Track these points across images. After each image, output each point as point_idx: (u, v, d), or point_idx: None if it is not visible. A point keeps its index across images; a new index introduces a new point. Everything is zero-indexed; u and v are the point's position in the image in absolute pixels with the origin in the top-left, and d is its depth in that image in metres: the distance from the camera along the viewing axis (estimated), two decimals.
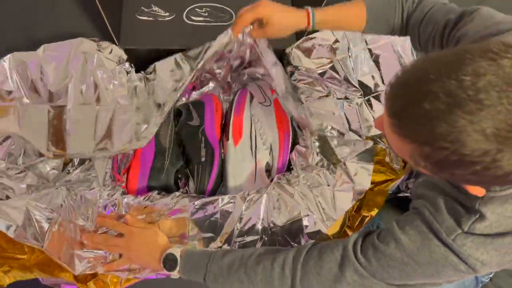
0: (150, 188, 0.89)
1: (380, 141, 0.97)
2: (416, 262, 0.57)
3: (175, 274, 0.73)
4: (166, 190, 0.89)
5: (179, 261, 0.72)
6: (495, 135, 0.40)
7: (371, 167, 0.82)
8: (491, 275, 0.90)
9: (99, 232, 0.77)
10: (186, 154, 0.96)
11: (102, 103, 0.81)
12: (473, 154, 0.41)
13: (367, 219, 0.88)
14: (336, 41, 0.97)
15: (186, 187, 0.96)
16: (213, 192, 0.93)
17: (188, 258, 0.72)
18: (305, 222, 0.79)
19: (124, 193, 0.84)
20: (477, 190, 0.51)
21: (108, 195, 0.80)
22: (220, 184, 0.96)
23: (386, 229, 0.62)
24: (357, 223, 0.89)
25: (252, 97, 1.00)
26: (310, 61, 0.96)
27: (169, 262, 0.72)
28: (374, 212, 0.88)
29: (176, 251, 0.73)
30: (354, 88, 0.95)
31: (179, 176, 0.97)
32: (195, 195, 0.86)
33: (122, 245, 0.75)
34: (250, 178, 0.92)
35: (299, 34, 0.99)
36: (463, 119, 0.41)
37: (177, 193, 0.85)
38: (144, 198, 0.82)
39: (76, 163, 0.85)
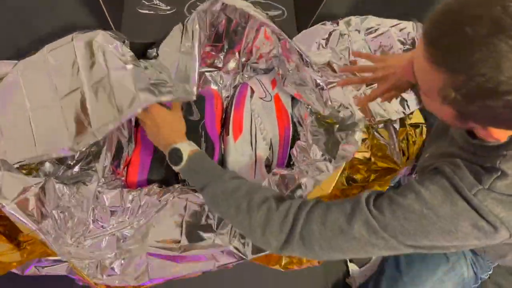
0: (150, 182, 0.89)
1: (381, 136, 0.97)
2: (436, 214, 0.55)
3: (176, 170, 0.73)
4: (166, 183, 0.88)
5: (184, 158, 0.72)
6: None
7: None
8: (490, 272, 0.90)
9: None
10: None
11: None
12: (509, 81, 0.42)
13: None
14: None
15: (186, 182, 0.96)
16: None
17: (194, 163, 0.72)
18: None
19: (123, 186, 0.84)
20: (500, 134, 0.50)
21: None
22: None
23: (404, 185, 0.60)
24: None
25: (252, 92, 0.99)
26: (312, 53, 0.96)
27: (175, 156, 0.72)
28: None
29: (185, 147, 0.72)
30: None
31: None
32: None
33: (141, 116, 0.75)
34: (250, 173, 0.92)
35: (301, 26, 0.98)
36: (505, 44, 0.41)
37: (177, 186, 0.84)
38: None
39: (76, 156, 0.85)
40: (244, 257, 0.77)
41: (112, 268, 0.77)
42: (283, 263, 0.79)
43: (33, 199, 0.70)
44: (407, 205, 0.56)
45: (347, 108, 0.85)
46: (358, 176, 0.93)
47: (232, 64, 1.01)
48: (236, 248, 0.78)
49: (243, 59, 1.00)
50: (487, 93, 0.44)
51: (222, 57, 0.99)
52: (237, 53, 0.98)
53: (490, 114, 0.47)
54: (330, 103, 0.86)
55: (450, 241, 0.56)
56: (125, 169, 0.91)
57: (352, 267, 1.05)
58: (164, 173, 0.92)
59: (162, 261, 0.77)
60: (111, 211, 0.79)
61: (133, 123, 0.91)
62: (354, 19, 0.99)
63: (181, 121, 0.78)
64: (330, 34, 0.98)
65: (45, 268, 0.76)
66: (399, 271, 0.93)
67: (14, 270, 0.71)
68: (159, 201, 0.81)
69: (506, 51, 0.41)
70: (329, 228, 0.59)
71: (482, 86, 0.43)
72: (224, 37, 0.93)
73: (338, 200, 0.64)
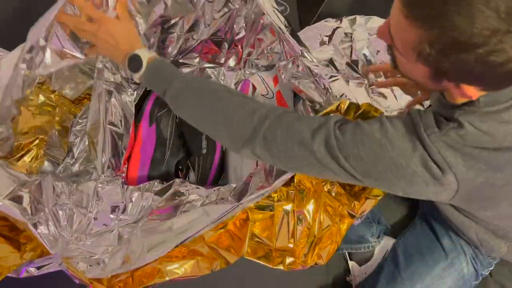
0: (150, 178, 0.89)
1: None
2: (392, 145, 0.56)
3: (136, 77, 0.70)
4: (167, 179, 0.88)
5: (144, 65, 0.68)
6: (507, 14, 0.42)
7: None
8: (491, 268, 0.90)
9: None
10: (187, 146, 0.96)
11: None
12: (481, 33, 0.43)
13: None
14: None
15: (187, 179, 0.96)
16: (214, 184, 0.92)
17: (155, 67, 0.69)
18: None
19: (124, 183, 0.83)
20: (471, 91, 0.51)
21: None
22: (221, 175, 0.95)
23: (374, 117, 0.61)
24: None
25: (254, 88, 0.99)
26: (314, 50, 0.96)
27: (134, 62, 0.69)
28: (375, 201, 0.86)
29: (144, 54, 0.69)
30: (358, 75, 0.95)
31: (180, 167, 0.96)
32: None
33: (91, 31, 0.67)
34: (251, 170, 0.91)
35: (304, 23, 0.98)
36: None
37: (178, 180, 0.84)
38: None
39: (76, 155, 0.84)
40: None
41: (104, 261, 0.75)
42: (286, 263, 0.79)
43: (28, 196, 0.69)
44: (369, 132, 0.57)
45: (349, 99, 0.84)
46: None
47: (233, 61, 1.00)
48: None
49: (245, 54, 0.99)
50: (460, 47, 0.45)
51: (224, 52, 0.98)
52: (240, 47, 0.97)
53: (463, 69, 0.48)
54: (330, 90, 0.85)
55: (398, 177, 0.56)
56: (125, 165, 0.91)
57: (353, 265, 1.05)
58: (165, 169, 0.91)
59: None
60: (112, 207, 0.78)
61: (132, 120, 0.91)
62: (359, 18, 0.99)
63: (135, 30, 0.73)
64: (333, 31, 0.97)
65: (40, 268, 0.74)
66: (398, 268, 0.93)
67: (10, 274, 0.70)
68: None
69: (477, 2, 0.42)
70: (292, 136, 0.60)
71: (455, 39, 0.44)
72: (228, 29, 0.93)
73: (311, 115, 0.63)
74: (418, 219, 1.00)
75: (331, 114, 0.66)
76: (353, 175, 0.59)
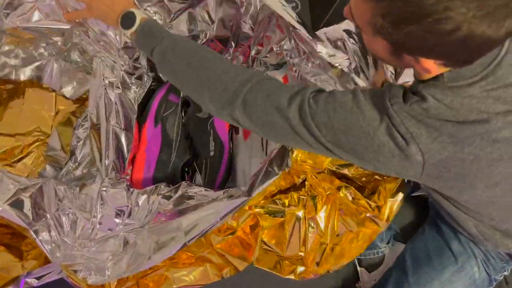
0: (155, 180, 0.86)
1: None
2: (362, 114, 0.56)
3: (128, 36, 0.71)
4: (173, 182, 0.85)
5: (137, 22, 0.70)
6: None
7: None
8: (505, 273, 0.88)
9: None
10: (194, 148, 0.93)
11: None
12: (427, 3, 0.44)
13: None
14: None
15: (193, 181, 0.93)
16: (222, 187, 0.90)
17: (148, 25, 0.70)
18: None
19: (129, 186, 0.80)
20: (430, 65, 0.52)
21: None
22: (228, 178, 0.93)
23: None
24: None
25: None
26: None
27: (128, 19, 0.70)
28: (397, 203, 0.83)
29: (139, 13, 0.71)
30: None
31: (186, 169, 0.93)
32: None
33: None
34: None
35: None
36: None
37: (185, 183, 0.81)
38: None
39: (79, 159, 0.81)
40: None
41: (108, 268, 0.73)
42: (297, 272, 0.76)
43: (29, 200, 0.66)
44: (342, 101, 0.58)
45: None
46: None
47: (241, 59, 0.97)
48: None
49: (253, 53, 0.96)
50: (410, 17, 0.46)
51: (231, 50, 0.95)
52: (247, 47, 0.95)
53: (416, 41, 0.48)
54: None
55: (366, 147, 0.56)
56: (130, 167, 0.88)
57: (362, 271, 1.02)
58: (171, 171, 0.89)
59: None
60: (116, 211, 0.75)
61: (134, 119, 0.88)
62: None
63: None
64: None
65: (40, 279, 0.72)
66: (405, 273, 0.90)
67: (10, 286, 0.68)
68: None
69: None
70: (271, 102, 0.60)
71: (404, 10, 0.45)
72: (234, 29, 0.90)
73: (292, 83, 0.63)
74: (427, 223, 0.97)
75: None
76: (324, 145, 0.59)
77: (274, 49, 0.94)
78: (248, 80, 0.62)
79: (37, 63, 0.90)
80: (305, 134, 0.59)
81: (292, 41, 0.88)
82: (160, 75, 0.93)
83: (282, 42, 0.92)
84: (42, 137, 0.92)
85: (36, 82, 0.91)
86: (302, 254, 0.76)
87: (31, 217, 0.65)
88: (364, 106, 0.57)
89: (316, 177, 0.82)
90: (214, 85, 0.63)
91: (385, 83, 0.61)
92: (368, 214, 0.79)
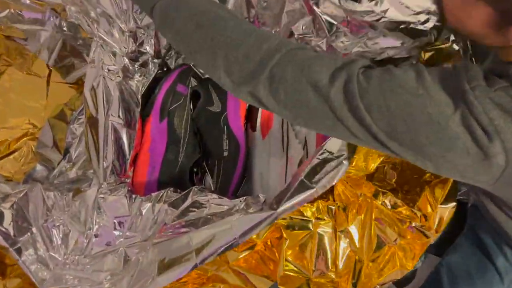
0: (161, 184, 0.77)
1: None
2: (430, 97, 0.45)
3: None
4: (180, 186, 0.75)
5: None
6: None
7: None
8: None
9: None
10: (204, 145, 0.83)
11: None
12: None
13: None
14: None
15: (203, 184, 0.84)
16: (236, 191, 0.81)
17: None
18: None
19: (131, 191, 0.70)
20: None
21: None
22: (242, 181, 0.83)
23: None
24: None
25: None
26: None
27: None
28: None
29: None
30: None
31: (195, 170, 0.84)
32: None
33: None
34: (280, 177, 0.79)
35: None
36: None
37: (196, 188, 0.71)
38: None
39: (73, 158, 0.71)
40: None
41: None
42: None
43: (9, 212, 0.57)
44: (402, 79, 0.47)
45: None
46: None
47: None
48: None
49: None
50: None
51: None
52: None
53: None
54: None
55: (432, 140, 0.46)
56: (132, 168, 0.78)
57: None
58: (178, 172, 0.79)
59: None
60: (116, 222, 0.66)
61: (138, 112, 0.77)
62: None
63: None
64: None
65: None
66: None
67: None
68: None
69: None
70: (306, 78, 0.48)
71: None
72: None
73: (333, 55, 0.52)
74: (465, 234, 0.88)
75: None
76: (374, 135, 0.47)
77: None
78: (277, 50, 0.49)
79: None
80: (350, 120, 0.47)
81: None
82: (165, 38, 0.78)
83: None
84: (32, 131, 0.82)
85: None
86: (332, 275, 0.65)
87: (12, 233, 0.55)
88: (432, 87, 0.46)
89: (347, 182, 0.72)
90: (232, 52, 0.50)
91: (458, 62, 0.50)
92: (413, 224, 0.69)
